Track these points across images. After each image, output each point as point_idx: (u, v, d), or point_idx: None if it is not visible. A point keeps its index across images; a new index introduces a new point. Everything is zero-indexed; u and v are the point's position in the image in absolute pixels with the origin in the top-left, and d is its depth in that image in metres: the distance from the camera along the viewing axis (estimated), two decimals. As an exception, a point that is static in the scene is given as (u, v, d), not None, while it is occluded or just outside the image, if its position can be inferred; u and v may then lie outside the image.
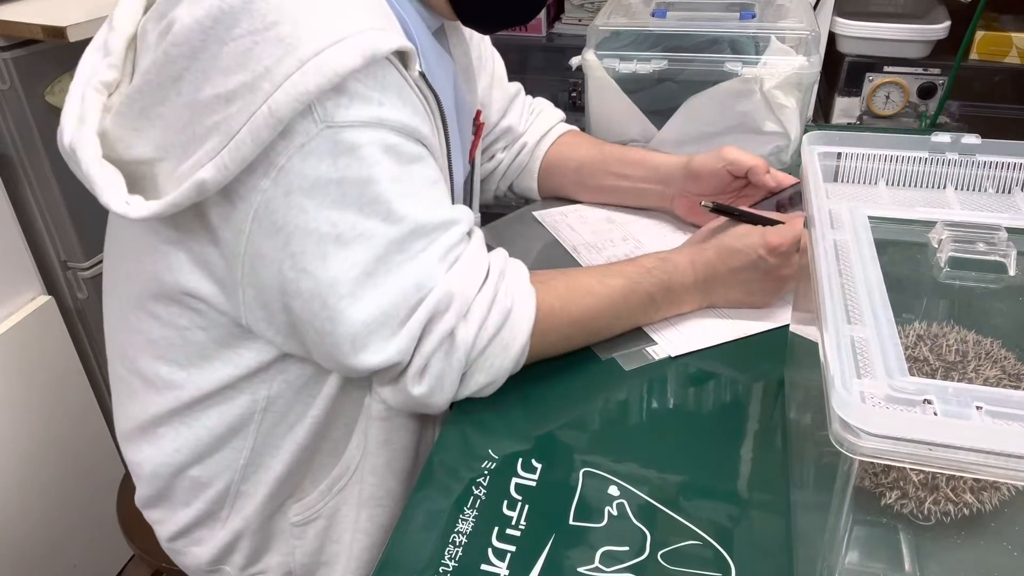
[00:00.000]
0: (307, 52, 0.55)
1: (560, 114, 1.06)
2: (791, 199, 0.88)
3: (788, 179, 0.88)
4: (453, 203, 0.69)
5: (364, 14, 0.59)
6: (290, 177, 0.58)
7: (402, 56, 0.61)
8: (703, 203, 0.79)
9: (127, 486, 1.09)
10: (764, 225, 0.78)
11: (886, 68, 1.53)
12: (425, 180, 0.64)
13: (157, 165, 0.61)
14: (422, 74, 0.64)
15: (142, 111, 0.60)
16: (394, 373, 0.65)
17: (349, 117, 0.58)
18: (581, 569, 0.55)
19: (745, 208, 0.80)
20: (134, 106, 0.60)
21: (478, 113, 0.89)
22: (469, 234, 0.68)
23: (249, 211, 0.60)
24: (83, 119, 0.61)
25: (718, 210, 0.80)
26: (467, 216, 0.68)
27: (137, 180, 0.63)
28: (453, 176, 0.74)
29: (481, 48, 0.95)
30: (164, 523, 0.79)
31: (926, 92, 1.53)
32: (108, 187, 0.60)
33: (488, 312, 0.66)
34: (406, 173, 0.62)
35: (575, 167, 1.01)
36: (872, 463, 0.47)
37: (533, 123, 1.03)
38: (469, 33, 0.89)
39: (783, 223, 0.78)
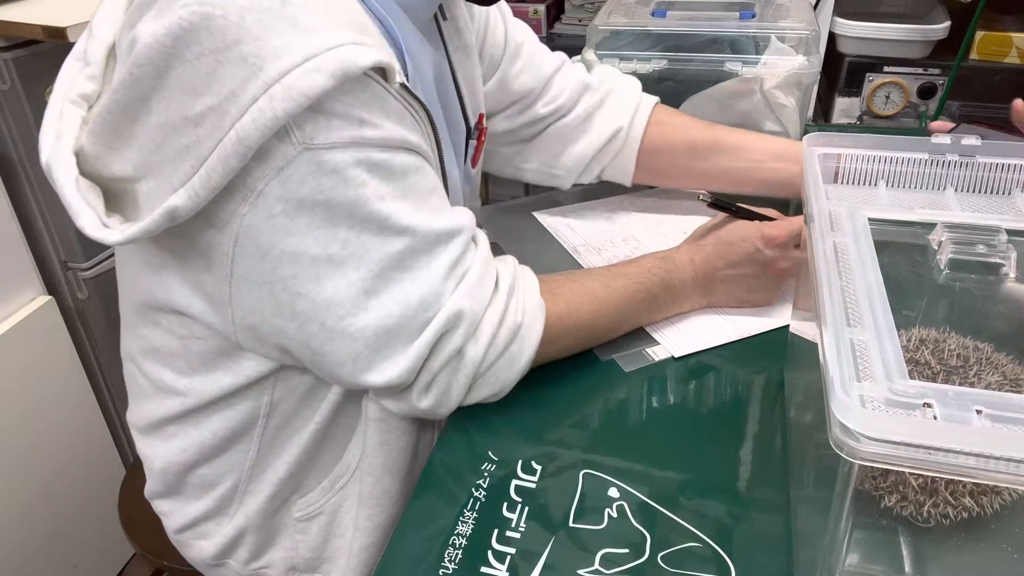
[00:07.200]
0: (272, 75, 0.51)
1: (636, 83, 0.98)
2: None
3: None
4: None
5: (334, 27, 0.54)
6: (269, 201, 0.56)
7: (380, 68, 0.57)
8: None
9: (128, 485, 1.09)
10: (761, 220, 0.79)
11: (886, 68, 1.53)
12: (421, 190, 0.61)
13: (137, 184, 0.59)
14: (404, 85, 0.60)
15: (115, 130, 0.57)
16: (398, 389, 0.64)
17: (330, 139, 0.55)
18: (581, 571, 0.55)
19: (742, 204, 0.80)
20: (106, 125, 0.57)
21: (481, 117, 0.86)
22: (474, 239, 0.67)
23: (232, 236, 0.58)
24: (60, 136, 0.58)
25: (716, 204, 0.80)
26: (469, 220, 0.66)
27: (119, 196, 0.60)
28: (448, 181, 0.73)
29: (495, 37, 0.89)
30: (172, 515, 0.79)
31: (926, 92, 1.53)
32: (83, 211, 0.57)
33: (498, 329, 0.64)
34: (398, 188, 0.59)
35: (686, 149, 0.95)
36: (872, 466, 0.46)
37: (606, 100, 0.96)
38: (481, 26, 0.86)
39: (778, 219, 0.78)
